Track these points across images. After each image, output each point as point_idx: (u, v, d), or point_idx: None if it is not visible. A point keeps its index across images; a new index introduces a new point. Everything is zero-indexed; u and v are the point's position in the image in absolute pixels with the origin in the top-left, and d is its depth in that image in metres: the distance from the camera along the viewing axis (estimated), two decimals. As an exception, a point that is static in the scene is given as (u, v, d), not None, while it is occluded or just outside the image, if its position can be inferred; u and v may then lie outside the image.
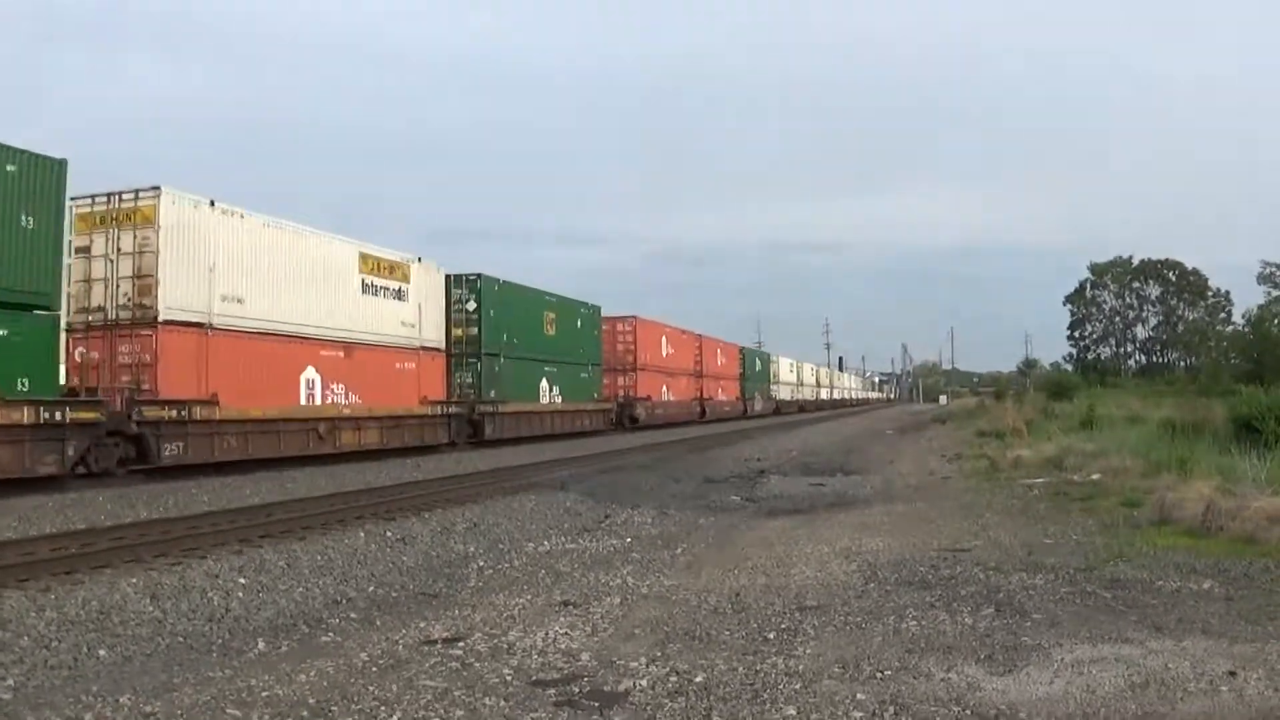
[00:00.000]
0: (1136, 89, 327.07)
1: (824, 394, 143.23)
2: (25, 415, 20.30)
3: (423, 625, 10.73)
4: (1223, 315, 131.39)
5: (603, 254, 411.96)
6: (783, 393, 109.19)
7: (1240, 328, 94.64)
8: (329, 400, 30.63)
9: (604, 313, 56.66)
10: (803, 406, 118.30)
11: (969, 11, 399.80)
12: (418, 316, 35.73)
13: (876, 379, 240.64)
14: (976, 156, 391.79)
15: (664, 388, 64.47)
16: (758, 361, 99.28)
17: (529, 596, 12.17)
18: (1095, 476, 22.79)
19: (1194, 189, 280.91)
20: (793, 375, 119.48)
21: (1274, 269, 79.12)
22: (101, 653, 9.93)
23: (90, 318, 24.41)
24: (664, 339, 65.76)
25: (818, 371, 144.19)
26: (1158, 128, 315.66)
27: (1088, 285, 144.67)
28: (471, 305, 40.05)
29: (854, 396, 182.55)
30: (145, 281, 24.31)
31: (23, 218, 20.73)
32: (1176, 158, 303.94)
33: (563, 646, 9.49)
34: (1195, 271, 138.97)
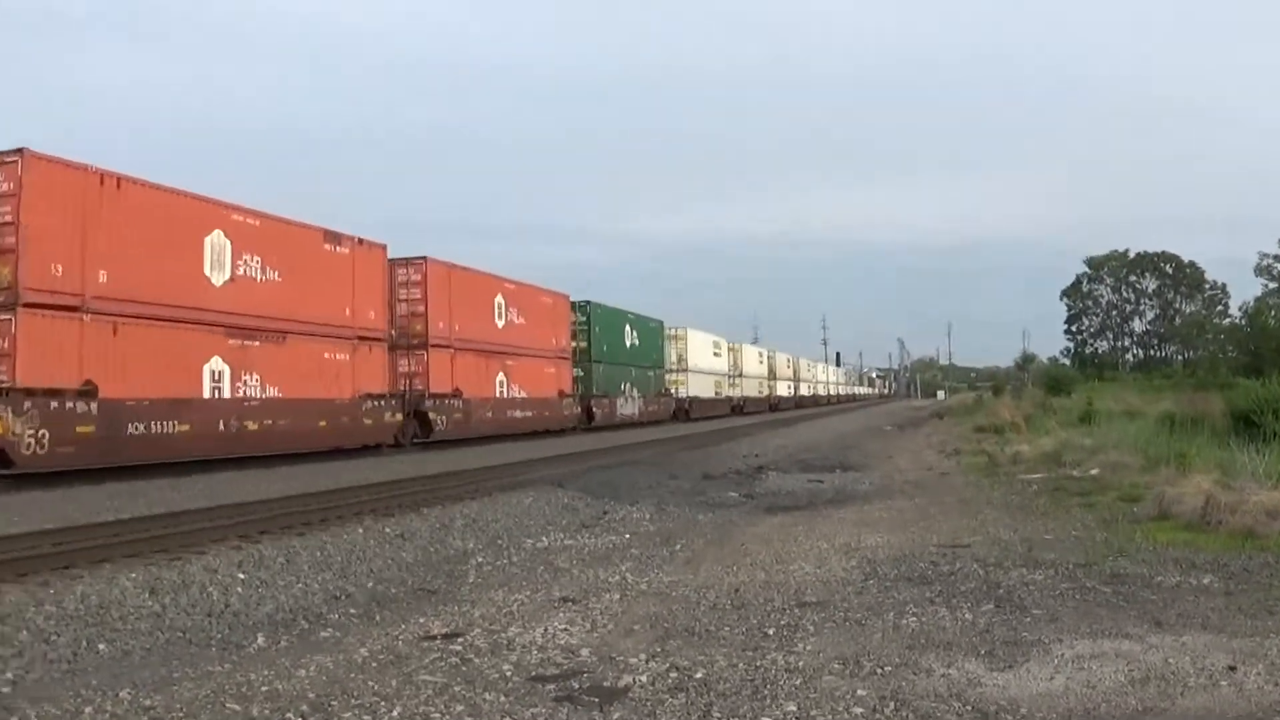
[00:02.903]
0: (1132, 85, 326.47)
1: (785, 389, 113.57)
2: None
3: (422, 621, 10.72)
4: (1220, 308, 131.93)
5: (593, 251, 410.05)
6: (700, 386, 75.33)
7: (1238, 320, 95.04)
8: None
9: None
10: (739, 406, 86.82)
11: (972, 6, 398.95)
12: None
13: (874, 374, 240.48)
14: (974, 150, 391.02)
15: (239, 375, 27.78)
16: (632, 333, 61.69)
17: (528, 593, 12.15)
18: (1094, 471, 22.81)
19: (1193, 183, 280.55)
20: (722, 361, 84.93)
21: (1271, 260, 79.19)
22: (101, 647, 9.91)
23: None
24: (253, 260, 28.70)
25: (771, 358, 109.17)
26: (1154, 123, 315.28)
27: (1084, 279, 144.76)
28: None
29: (837, 393, 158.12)
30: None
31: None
32: (1174, 152, 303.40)
33: (562, 642, 9.47)
34: (1192, 264, 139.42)
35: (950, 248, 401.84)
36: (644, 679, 8.15)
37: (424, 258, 38.29)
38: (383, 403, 34.05)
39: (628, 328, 61.15)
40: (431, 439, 36.94)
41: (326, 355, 31.64)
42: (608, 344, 57.07)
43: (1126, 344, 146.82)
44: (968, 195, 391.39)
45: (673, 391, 69.48)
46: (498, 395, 43.34)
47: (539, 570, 13.99)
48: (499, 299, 44.06)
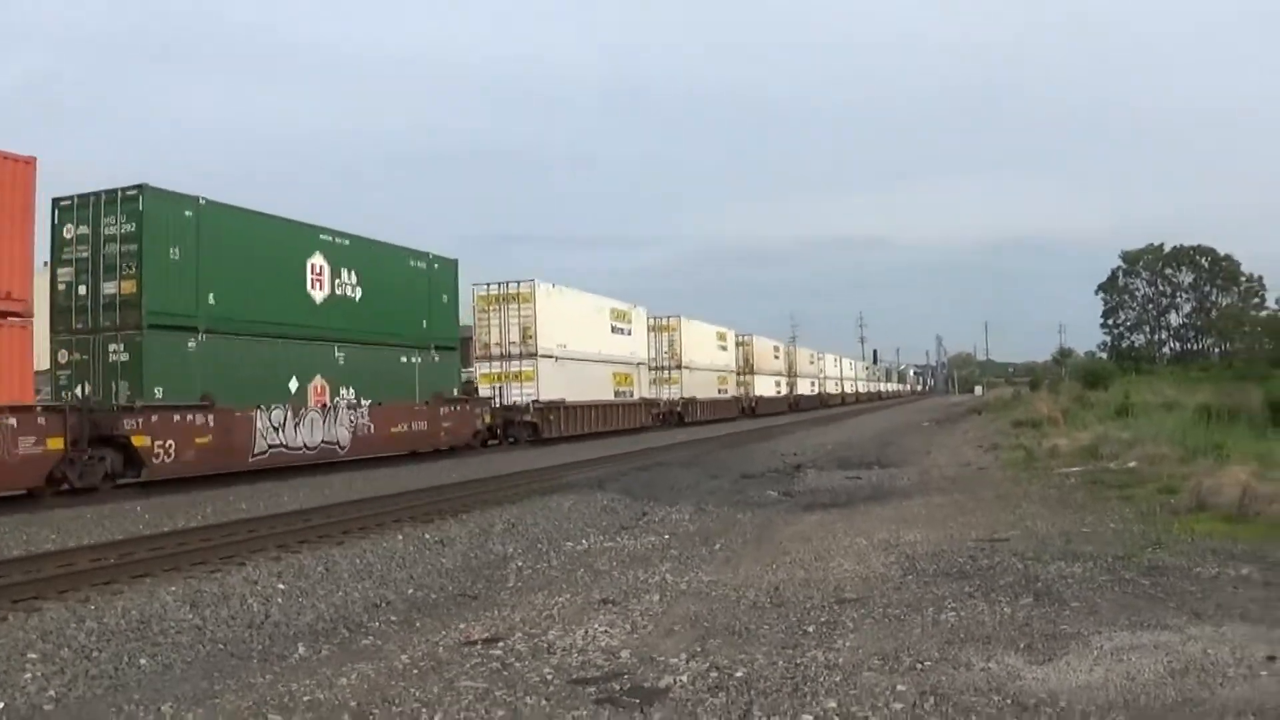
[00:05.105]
0: (1170, 82, 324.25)
1: (767, 387, 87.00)
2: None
3: (462, 626, 10.73)
4: (1256, 300, 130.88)
5: (640, 255, 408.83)
6: (568, 384, 46.14)
7: (1275, 312, 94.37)
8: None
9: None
10: (679, 411, 62.96)
11: (1009, 10, 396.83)
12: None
13: (911, 370, 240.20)
14: (1008, 148, 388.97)
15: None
16: (346, 276, 30.99)
17: (568, 595, 12.16)
18: (1132, 464, 22.66)
19: (1228, 177, 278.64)
20: (636, 342, 56.96)
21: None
22: (142, 661, 10.00)
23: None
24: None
25: (750, 346, 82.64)
26: (1191, 118, 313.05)
27: (1120, 273, 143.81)
28: None
29: (866, 390, 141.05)
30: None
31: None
32: (1208, 146, 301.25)
33: (602, 644, 9.47)
34: (1228, 257, 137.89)
35: (987, 245, 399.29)
36: (684, 679, 8.14)
37: None
38: None
39: (319, 259, 30.35)
40: None
41: None
42: (218, 289, 26.14)
43: (1163, 337, 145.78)
44: (1004, 193, 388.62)
45: (493, 395, 42.74)
46: None
47: (579, 573, 14.01)
48: None
